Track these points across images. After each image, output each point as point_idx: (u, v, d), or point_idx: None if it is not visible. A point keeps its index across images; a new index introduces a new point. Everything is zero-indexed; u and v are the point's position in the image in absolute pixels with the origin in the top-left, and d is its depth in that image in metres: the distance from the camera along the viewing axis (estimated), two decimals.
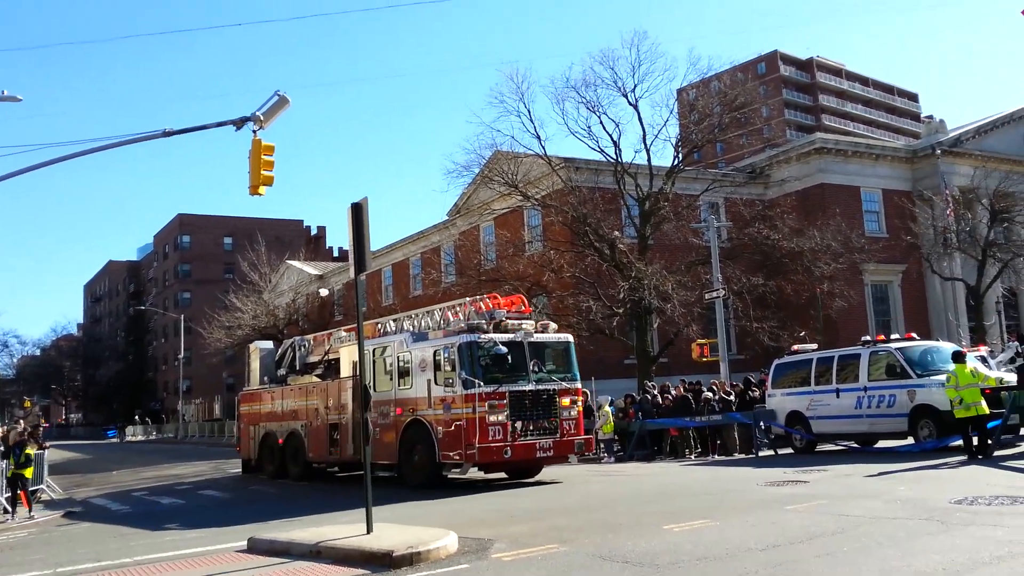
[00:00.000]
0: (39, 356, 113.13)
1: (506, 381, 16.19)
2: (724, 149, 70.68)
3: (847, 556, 7.77)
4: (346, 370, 20.61)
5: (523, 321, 17.20)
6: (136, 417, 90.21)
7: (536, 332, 17.04)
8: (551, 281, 31.61)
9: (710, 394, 22.80)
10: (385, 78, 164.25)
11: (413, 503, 14.60)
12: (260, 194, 15.78)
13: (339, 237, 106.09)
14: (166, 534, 13.26)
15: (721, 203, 38.73)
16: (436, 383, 16.58)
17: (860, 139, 54.69)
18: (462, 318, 17.55)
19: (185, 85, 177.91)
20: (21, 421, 39.07)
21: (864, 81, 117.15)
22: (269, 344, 26.92)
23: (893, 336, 20.96)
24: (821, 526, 9.32)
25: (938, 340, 25.36)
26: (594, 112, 31.34)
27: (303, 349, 23.42)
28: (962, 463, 14.61)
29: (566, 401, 16.87)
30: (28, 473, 17.52)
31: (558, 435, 16.59)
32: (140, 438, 79.22)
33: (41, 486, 20.65)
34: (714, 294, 28.51)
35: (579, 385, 17.60)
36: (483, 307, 17.59)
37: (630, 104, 31.39)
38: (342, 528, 10.88)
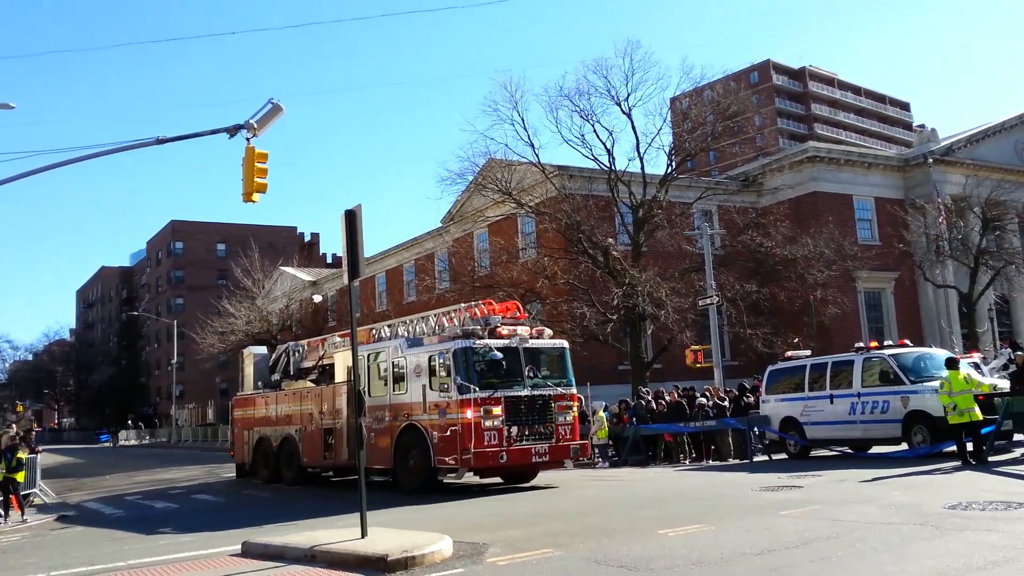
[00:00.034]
0: (31, 361, 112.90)
1: (501, 386, 16.17)
2: (717, 157, 70.86)
3: (842, 561, 7.79)
4: (341, 375, 20.57)
5: (518, 327, 17.19)
6: (129, 422, 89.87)
7: (531, 337, 17.04)
8: (545, 288, 31.64)
9: (704, 400, 22.84)
10: (380, 86, 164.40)
11: (408, 508, 14.58)
12: (254, 201, 15.87)
13: (333, 243, 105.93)
14: (160, 538, 13.21)
15: (714, 211, 38.90)
16: (431, 388, 16.54)
17: (852, 148, 54.96)
18: (457, 324, 17.55)
19: (183, 93, 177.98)
20: (13, 425, 38.87)
21: (856, 90, 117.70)
22: (263, 349, 26.90)
23: (886, 343, 21.04)
24: (816, 531, 9.34)
25: (931, 347, 25.50)
26: (588, 120, 31.49)
27: (297, 354, 23.39)
28: (956, 469, 14.68)
29: (562, 406, 16.86)
30: (20, 477, 17.50)
31: (553, 440, 16.57)
32: (133, 442, 78.79)
33: (34, 490, 20.54)
34: (708, 301, 28.59)
35: (574, 390, 17.58)
36: (478, 313, 17.55)
37: (624, 113, 31.56)
38: (337, 532, 10.84)
